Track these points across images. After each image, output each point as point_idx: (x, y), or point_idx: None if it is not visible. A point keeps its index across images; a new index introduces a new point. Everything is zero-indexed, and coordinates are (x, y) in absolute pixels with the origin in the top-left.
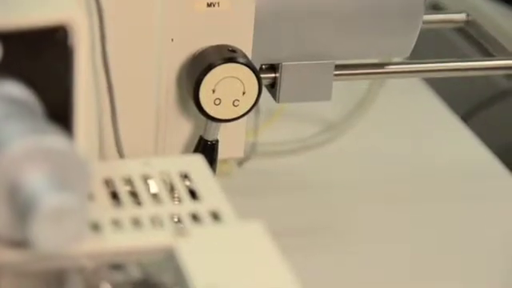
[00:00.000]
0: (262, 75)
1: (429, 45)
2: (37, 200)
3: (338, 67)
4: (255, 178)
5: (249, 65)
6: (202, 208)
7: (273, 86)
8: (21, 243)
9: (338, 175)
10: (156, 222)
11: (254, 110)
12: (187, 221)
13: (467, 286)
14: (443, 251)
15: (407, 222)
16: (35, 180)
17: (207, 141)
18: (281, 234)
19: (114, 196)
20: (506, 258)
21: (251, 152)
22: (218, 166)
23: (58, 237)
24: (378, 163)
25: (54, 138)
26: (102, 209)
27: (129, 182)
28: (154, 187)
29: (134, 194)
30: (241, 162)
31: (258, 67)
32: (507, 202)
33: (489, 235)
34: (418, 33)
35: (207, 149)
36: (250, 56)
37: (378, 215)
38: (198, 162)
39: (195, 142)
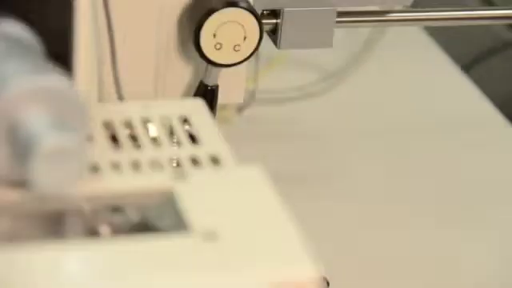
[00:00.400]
0: (263, 21)
1: None
2: (37, 140)
3: (339, 14)
4: (254, 125)
5: (250, 9)
6: (201, 152)
7: (274, 32)
8: (20, 184)
9: (337, 124)
10: (155, 165)
11: (254, 57)
12: (187, 165)
13: (466, 233)
14: (443, 201)
15: (407, 172)
16: (35, 120)
17: (207, 86)
18: (279, 180)
19: (114, 139)
20: (506, 207)
21: (251, 99)
22: (218, 112)
23: (58, 177)
24: (377, 112)
25: (54, 79)
26: (102, 151)
27: (128, 125)
28: (153, 131)
29: (133, 138)
30: (240, 109)
31: (259, 12)
32: (507, 152)
33: (489, 185)
34: None
35: (207, 94)
36: (251, 1)
37: (377, 164)
38: (199, 106)
39: (195, 86)
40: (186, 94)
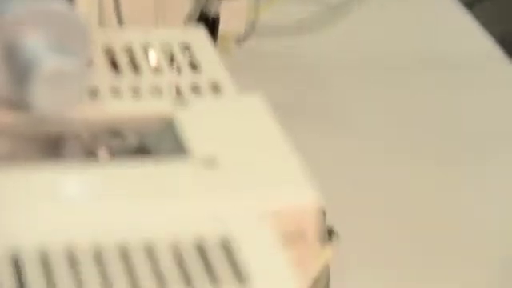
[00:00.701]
0: None
1: None
2: (36, 62)
3: None
4: (254, 57)
5: None
6: (202, 79)
7: None
8: (20, 106)
9: (337, 58)
10: (155, 91)
11: None
12: (187, 92)
13: (466, 168)
14: (443, 136)
15: (406, 107)
16: (35, 43)
17: (208, 16)
18: (277, 111)
19: (114, 65)
20: (506, 143)
21: (251, 30)
22: (218, 42)
23: (57, 99)
24: (378, 47)
25: (54, 1)
26: (102, 76)
27: (129, 51)
28: (153, 58)
29: (133, 64)
30: (240, 40)
31: None
32: (507, 89)
33: (489, 121)
34: None
35: (208, 24)
36: None
37: (377, 99)
38: (200, 34)
39: (196, 17)
40: (186, 25)
